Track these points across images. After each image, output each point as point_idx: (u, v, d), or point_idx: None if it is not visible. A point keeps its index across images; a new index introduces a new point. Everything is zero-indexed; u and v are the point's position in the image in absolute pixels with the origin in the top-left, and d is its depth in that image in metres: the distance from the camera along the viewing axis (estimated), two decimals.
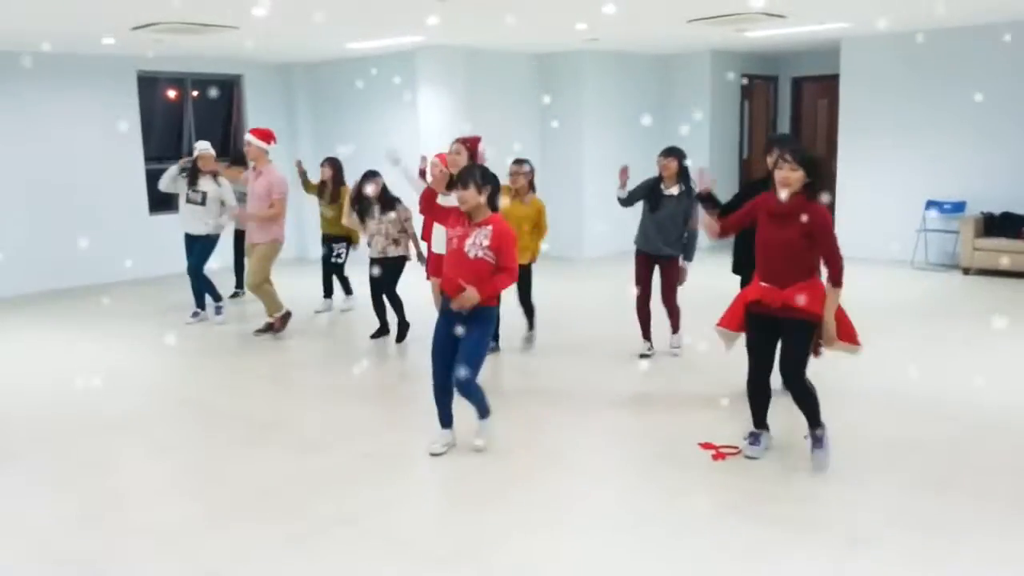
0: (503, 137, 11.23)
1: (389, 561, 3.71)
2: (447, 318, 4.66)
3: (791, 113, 13.82)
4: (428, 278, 6.47)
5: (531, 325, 7.09)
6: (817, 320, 4.30)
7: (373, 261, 7.25)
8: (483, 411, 4.85)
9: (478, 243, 4.52)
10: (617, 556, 3.71)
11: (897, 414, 5.35)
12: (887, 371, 6.20)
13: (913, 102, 10.66)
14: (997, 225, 9.98)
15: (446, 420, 4.88)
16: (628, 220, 12.33)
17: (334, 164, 8.48)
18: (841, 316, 4.38)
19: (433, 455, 4.82)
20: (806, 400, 4.44)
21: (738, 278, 5.65)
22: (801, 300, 4.25)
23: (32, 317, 9.07)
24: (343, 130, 11.93)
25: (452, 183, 5.56)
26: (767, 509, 4.14)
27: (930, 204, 10.55)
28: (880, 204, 10.91)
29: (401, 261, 7.36)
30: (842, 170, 11.30)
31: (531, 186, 6.72)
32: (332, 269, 8.69)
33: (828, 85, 12.46)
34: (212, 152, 8.18)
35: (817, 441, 4.50)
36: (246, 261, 7.87)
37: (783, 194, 4.19)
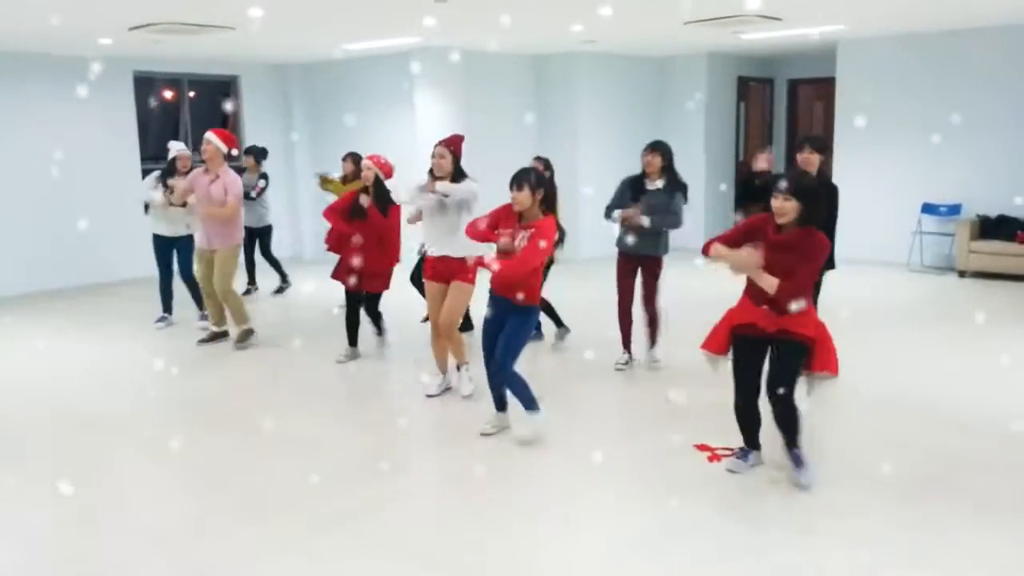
0: (499, 138, 11.26)
1: (387, 561, 3.72)
2: (493, 310, 4.97)
3: (787, 116, 13.85)
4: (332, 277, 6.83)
5: (557, 321, 7.17)
6: (811, 343, 4.19)
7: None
8: (527, 403, 5.00)
9: (521, 241, 4.78)
10: (615, 556, 3.72)
11: (892, 416, 5.37)
12: (882, 373, 6.22)
13: (909, 105, 10.69)
14: (993, 228, 10.01)
15: (499, 404, 5.20)
16: None
17: (356, 159, 8.44)
18: (827, 342, 4.23)
19: (483, 434, 5.12)
20: (791, 419, 4.31)
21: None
22: (801, 326, 4.15)
23: (28, 317, 9.05)
24: (339, 131, 11.93)
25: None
26: (763, 510, 4.16)
27: (926, 207, 10.59)
28: (876, 206, 10.92)
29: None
30: (838, 172, 11.31)
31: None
32: None
33: (824, 87, 12.49)
34: (188, 152, 8.13)
35: (798, 461, 4.36)
36: (197, 266, 7.55)
37: (780, 221, 4.09)
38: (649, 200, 6.11)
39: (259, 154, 9.69)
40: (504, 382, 5.01)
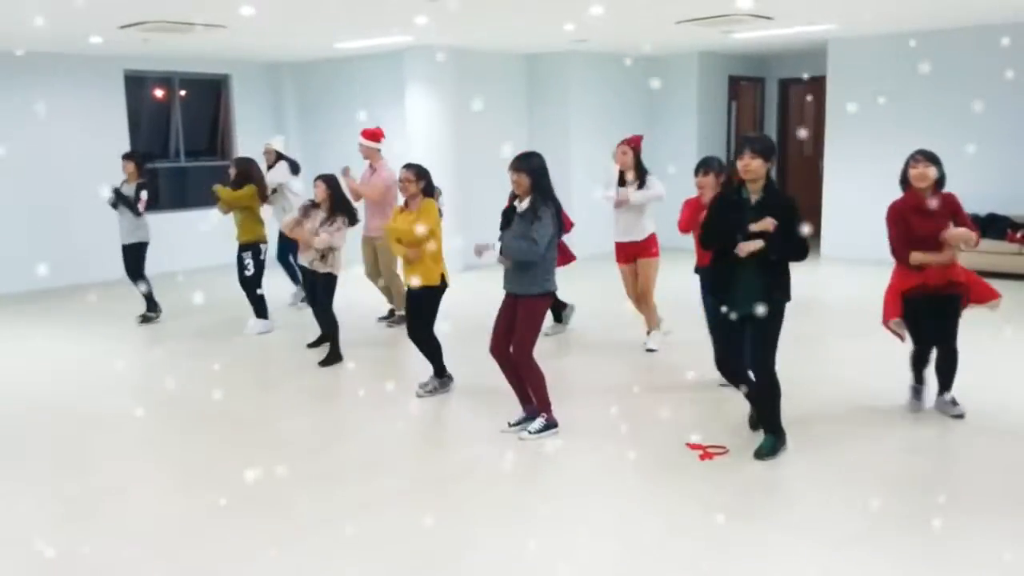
0: (491, 138, 11.25)
1: (381, 561, 3.72)
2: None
3: (778, 114, 13.87)
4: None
5: (437, 370, 6.02)
6: (966, 288, 5.00)
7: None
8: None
9: None
10: (607, 556, 3.73)
11: (885, 414, 5.38)
12: (874, 372, 6.23)
13: (899, 103, 10.71)
14: (983, 226, 10.02)
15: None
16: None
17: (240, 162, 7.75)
18: (976, 278, 5.07)
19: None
20: (953, 364, 5.13)
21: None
22: (958, 274, 5.00)
23: (23, 316, 9.03)
24: (331, 129, 11.92)
25: (621, 179, 6.70)
26: (756, 509, 4.17)
27: None
28: (866, 205, 10.86)
29: (327, 278, 6.77)
30: (828, 171, 11.36)
31: (427, 191, 5.91)
32: (241, 283, 7.74)
33: (815, 86, 12.52)
34: (273, 148, 8.71)
35: (954, 401, 5.20)
36: (368, 253, 7.92)
37: (923, 185, 4.88)
38: (515, 228, 5.01)
39: (141, 159, 8.37)
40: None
